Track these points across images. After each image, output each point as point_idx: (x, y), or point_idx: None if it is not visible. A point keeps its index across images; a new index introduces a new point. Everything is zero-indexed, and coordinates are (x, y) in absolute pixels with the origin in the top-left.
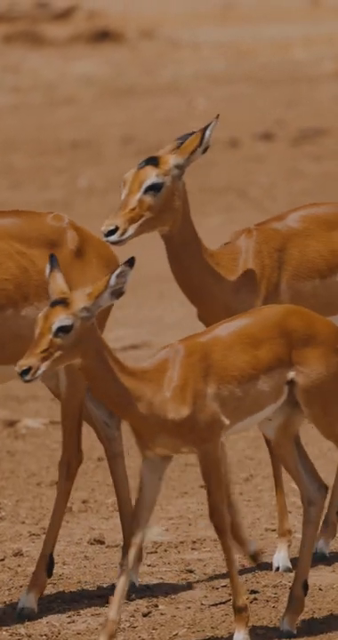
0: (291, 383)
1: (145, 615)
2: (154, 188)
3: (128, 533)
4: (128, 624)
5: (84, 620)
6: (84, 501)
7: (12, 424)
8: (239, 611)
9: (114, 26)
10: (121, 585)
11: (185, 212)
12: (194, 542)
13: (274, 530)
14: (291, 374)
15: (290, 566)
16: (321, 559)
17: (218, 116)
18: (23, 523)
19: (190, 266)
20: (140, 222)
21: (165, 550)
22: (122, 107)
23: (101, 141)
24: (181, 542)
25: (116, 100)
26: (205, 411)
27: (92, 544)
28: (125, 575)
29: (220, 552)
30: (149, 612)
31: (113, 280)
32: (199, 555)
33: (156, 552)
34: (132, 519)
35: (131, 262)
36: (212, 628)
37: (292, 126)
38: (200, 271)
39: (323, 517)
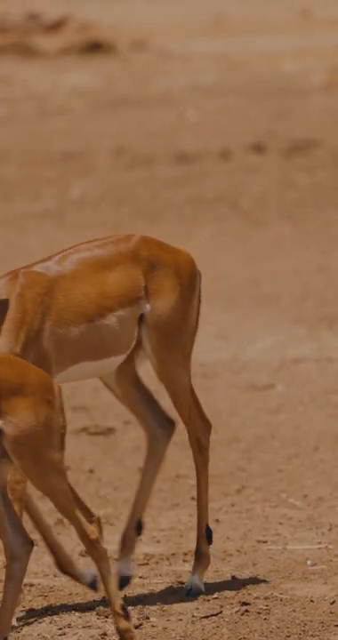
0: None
1: (136, 627)
2: None
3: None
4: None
5: (75, 633)
6: None
7: None
8: None
9: (105, 37)
10: None
11: None
12: (185, 554)
13: (265, 541)
14: None
15: None
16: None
17: None
18: None
19: None
20: None
21: (157, 562)
22: (113, 118)
23: (93, 152)
24: (173, 554)
25: (108, 112)
26: None
27: (83, 556)
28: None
29: (211, 564)
30: (141, 625)
31: None
32: (191, 567)
33: (147, 564)
34: None
35: None
36: None
37: (283, 138)
38: None
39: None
